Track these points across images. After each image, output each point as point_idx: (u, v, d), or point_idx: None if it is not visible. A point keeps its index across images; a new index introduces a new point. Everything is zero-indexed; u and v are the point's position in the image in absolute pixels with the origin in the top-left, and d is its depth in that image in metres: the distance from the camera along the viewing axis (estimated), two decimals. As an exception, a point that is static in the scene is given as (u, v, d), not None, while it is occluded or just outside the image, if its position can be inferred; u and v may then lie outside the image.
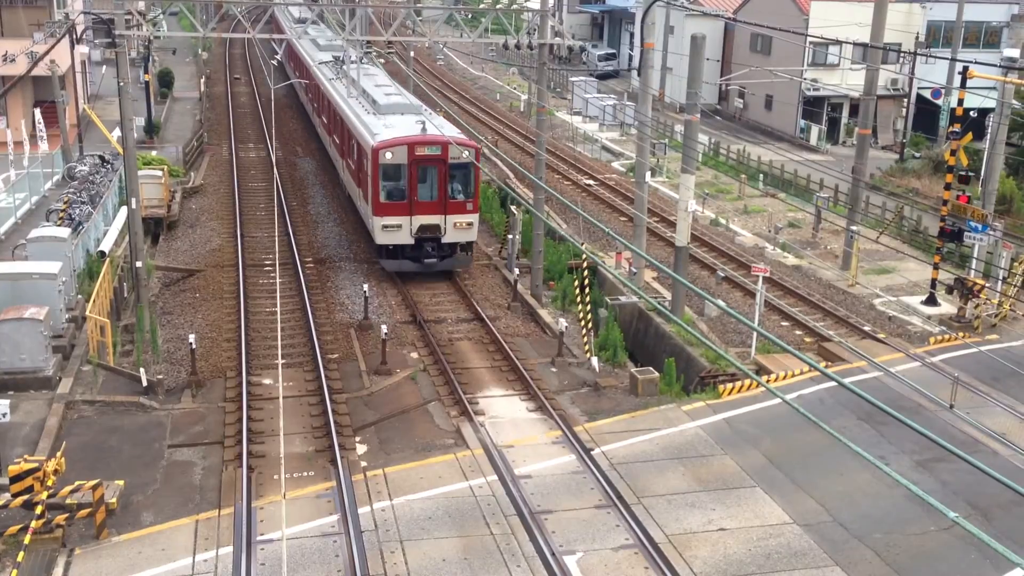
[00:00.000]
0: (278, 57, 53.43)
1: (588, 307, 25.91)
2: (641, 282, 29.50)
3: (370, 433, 20.64)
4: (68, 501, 16.16)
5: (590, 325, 25.48)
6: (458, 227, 29.32)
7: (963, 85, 28.22)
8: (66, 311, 23.39)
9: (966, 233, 27.84)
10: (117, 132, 34.39)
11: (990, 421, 21.12)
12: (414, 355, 24.51)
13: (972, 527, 6.99)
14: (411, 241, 29.19)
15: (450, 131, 30.19)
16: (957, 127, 28.35)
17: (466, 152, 28.52)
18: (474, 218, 29.61)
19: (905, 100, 54.18)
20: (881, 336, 26.37)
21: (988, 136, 32.51)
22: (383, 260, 29.64)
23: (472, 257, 30.68)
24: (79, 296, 24.88)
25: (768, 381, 23.04)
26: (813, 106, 53.99)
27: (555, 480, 18.46)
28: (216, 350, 24.76)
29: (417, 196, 28.87)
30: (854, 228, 32.29)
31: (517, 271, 29.21)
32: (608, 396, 22.63)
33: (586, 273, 26.67)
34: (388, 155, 28.49)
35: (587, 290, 26.50)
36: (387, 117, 31.56)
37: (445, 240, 29.41)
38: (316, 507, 17.41)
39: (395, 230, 28.98)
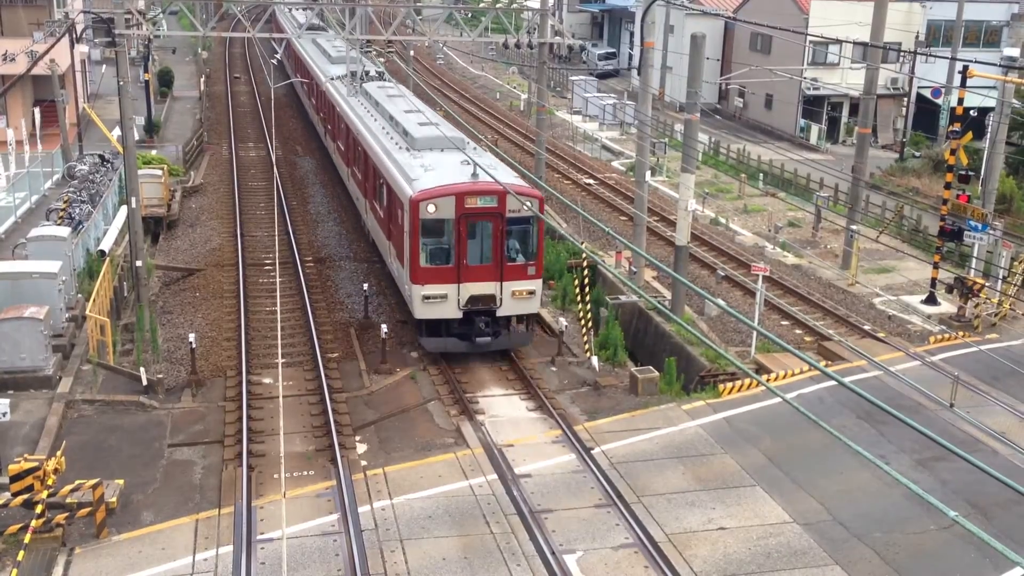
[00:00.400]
0: (278, 56, 53.31)
1: (588, 306, 25.92)
2: (641, 281, 29.50)
3: (370, 432, 20.64)
4: (68, 500, 16.17)
5: (590, 324, 25.49)
6: (517, 296, 23.53)
7: (963, 84, 28.22)
8: (66, 310, 23.40)
9: (966, 232, 27.86)
10: (117, 131, 34.39)
11: (990, 420, 21.13)
12: (414, 354, 24.51)
13: (972, 526, 6.99)
14: (459, 315, 23.38)
15: (505, 175, 24.10)
16: (957, 126, 28.35)
17: (528, 203, 22.93)
18: (537, 285, 23.83)
19: (905, 99, 54.17)
20: (881, 335, 26.37)
21: (988, 135, 32.51)
22: (423, 338, 23.73)
23: (534, 332, 24.81)
24: (79, 295, 24.89)
25: (768, 380, 23.04)
26: (813, 105, 53.99)
27: (555, 479, 18.46)
28: (216, 349, 24.77)
29: (467, 259, 23.09)
30: (854, 227, 32.29)
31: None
32: (608, 395, 22.63)
33: (586, 272, 26.68)
34: (431, 208, 22.67)
35: (587, 289, 26.52)
36: (424, 155, 25.58)
37: (501, 313, 23.63)
38: (316, 506, 17.42)
39: (439, 301, 23.16)
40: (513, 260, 23.45)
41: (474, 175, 23.16)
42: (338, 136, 37.38)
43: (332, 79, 40.18)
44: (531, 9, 51.92)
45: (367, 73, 37.84)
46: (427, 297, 23.12)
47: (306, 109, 52.11)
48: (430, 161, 24.78)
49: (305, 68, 49.49)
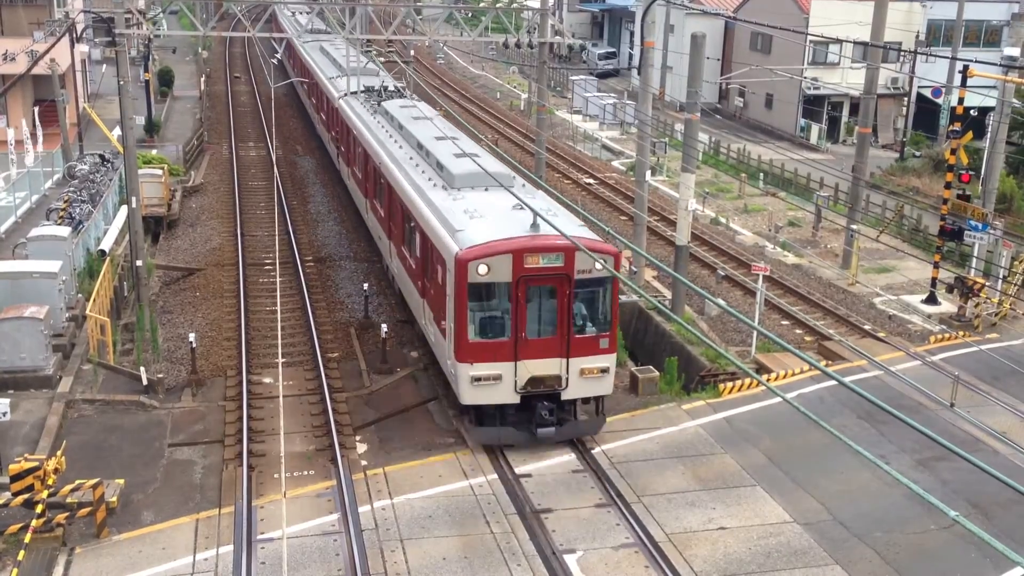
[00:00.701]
0: (278, 56, 53.26)
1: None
2: (641, 281, 29.50)
3: (370, 432, 20.65)
4: (68, 500, 16.18)
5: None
6: (587, 375, 19.28)
7: (963, 84, 28.22)
8: (66, 310, 23.41)
9: (966, 232, 27.86)
10: (117, 131, 34.41)
11: (990, 420, 21.13)
12: (414, 354, 24.51)
13: (972, 526, 6.99)
14: (516, 399, 19.19)
15: (567, 223, 19.86)
16: (957, 126, 28.35)
17: (600, 261, 18.53)
18: (610, 360, 19.54)
19: (905, 99, 54.17)
20: (881, 335, 26.37)
21: (988, 135, 32.51)
22: (471, 428, 19.63)
23: (605, 418, 20.23)
24: (79, 295, 24.89)
25: (768, 380, 23.04)
26: (813, 105, 53.99)
27: (555, 479, 18.46)
28: (216, 349, 24.77)
29: (526, 331, 18.88)
30: (854, 227, 32.29)
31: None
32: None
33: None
34: (482, 269, 18.49)
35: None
36: (465, 195, 21.42)
37: (567, 396, 19.45)
38: (316, 506, 17.42)
39: (491, 384, 18.97)
40: (582, 331, 19.24)
41: (534, 226, 18.87)
42: (354, 161, 33.11)
43: (346, 95, 36.12)
44: (531, 9, 51.95)
45: (385, 88, 34.45)
46: (477, 379, 18.85)
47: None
48: (474, 204, 20.71)
49: (312, 76, 46.24)
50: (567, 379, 19.23)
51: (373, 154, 28.34)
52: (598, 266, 18.69)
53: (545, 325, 19.07)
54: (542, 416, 19.12)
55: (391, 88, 34.70)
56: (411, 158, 25.31)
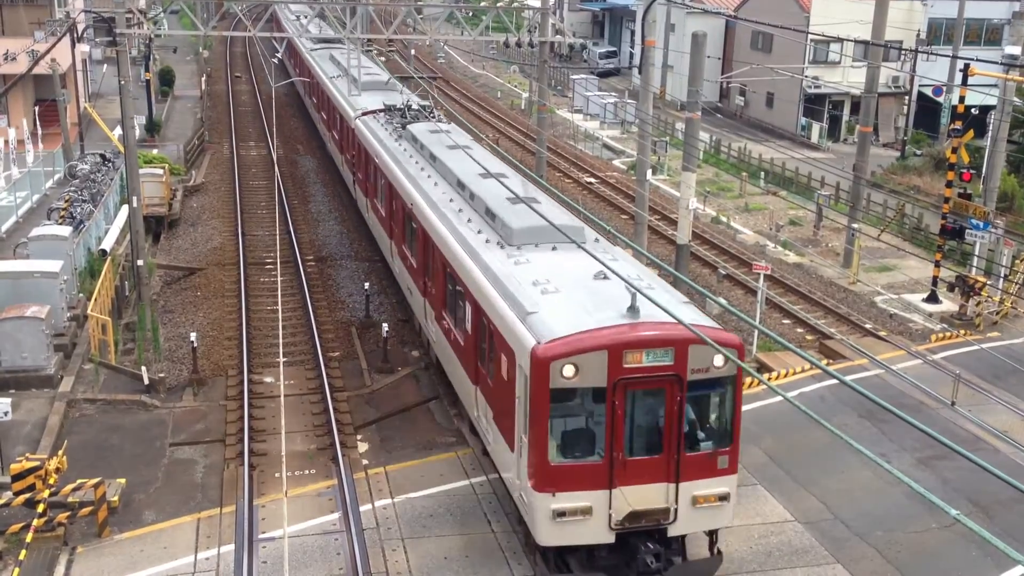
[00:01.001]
0: (279, 55, 53.24)
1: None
2: (642, 280, 29.47)
3: (371, 431, 20.66)
4: (70, 499, 16.20)
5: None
6: (702, 503, 14.76)
7: (964, 82, 28.21)
8: (67, 309, 23.43)
9: (967, 231, 27.85)
10: (118, 130, 34.43)
11: (991, 418, 21.13)
12: (415, 353, 24.51)
13: (973, 524, 6.99)
14: (610, 538, 14.54)
15: (670, 299, 15.43)
16: (958, 124, 28.35)
17: (720, 356, 14.34)
18: (731, 484, 15.05)
19: (906, 97, 54.15)
20: (882, 334, 26.38)
21: (989, 133, 32.50)
22: None
23: (722, 558, 15.45)
24: (80, 295, 24.91)
25: (769, 379, 23.04)
26: (814, 104, 53.97)
27: (556, 478, 18.42)
28: (217, 348, 24.78)
29: (623, 450, 14.35)
30: (855, 226, 32.29)
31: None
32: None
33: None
34: (568, 371, 13.93)
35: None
36: (529, 257, 16.96)
37: (675, 531, 14.87)
38: (318, 505, 17.43)
39: (578, 520, 14.31)
40: (695, 447, 14.75)
41: (632, 309, 14.31)
42: (374, 193, 28.65)
43: (363, 115, 31.76)
44: (532, 8, 51.91)
45: (409, 107, 29.97)
46: (560, 513, 14.19)
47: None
48: (542, 270, 16.27)
49: (321, 89, 42.24)
50: (676, 510, 14.57)
51: (401, 190, 24.04)
52: (717, 361, 14.29)
53: (649, 441, 14.53)
54: (646, 563, 14.35)
55: (415, 107, 30.14)
56: (451, 200, 21.02)
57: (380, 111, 31.13)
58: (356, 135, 31.78)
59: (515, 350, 14.82)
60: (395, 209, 25.16)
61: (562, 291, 15.45)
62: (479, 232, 18.63)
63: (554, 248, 17.33)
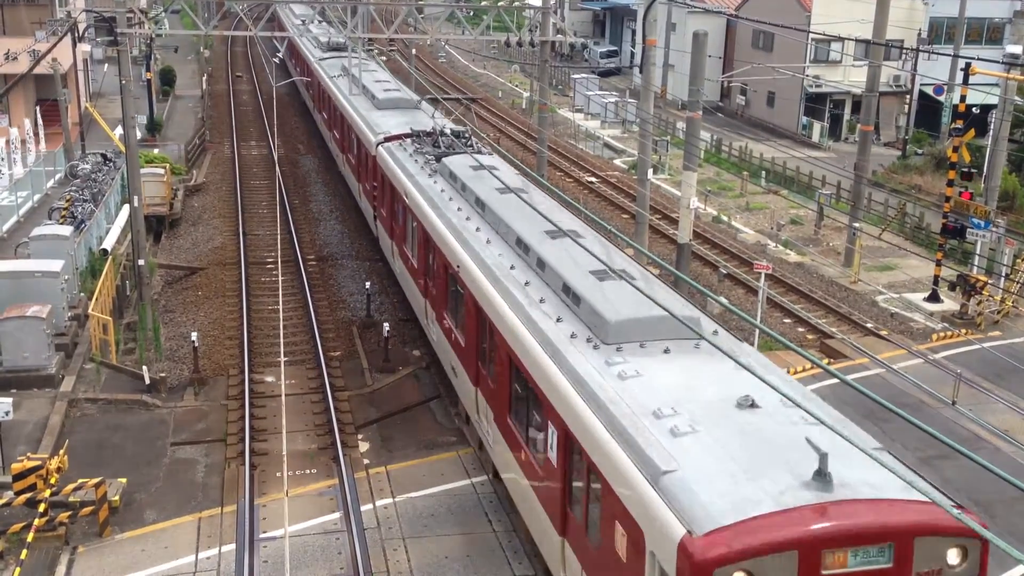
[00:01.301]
0: (279, 55, 53.23)
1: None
2: (643, 279, 29.47)
3: (372, 431, 20.66)
4: (71, 499, 16.20)
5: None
6: None
7: (965, 81, 28.19)
8: (69, 309, 23.44)
9: (969, 230, 27.82)
10: (119, 130, 34.43)
11: (992, 418, 21.11)
12: (416, 352, 24.51)
13: (974, 523, 6.99)
14: None
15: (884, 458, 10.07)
16: (960, 123, 28.32)
17: (955, 550, 9.98)
18: None
19: (908, 97, 54.13)
20: (883, 333, 26.36)
21: (991, 132, 32.49)
22: None
23: None
24: (81, 294, 24.92)
25: (770, 378, 23.01)
26: (815, 103, 53.95)
27: (557, 477, 18.43)
28: (218, 348, 24.78)
29: None
30: (856, 225, 32.27)
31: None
32: None
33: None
34: None
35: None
36: (638, 366, 12.32)
37: None
38: (319, 504, 17.43)
39: None
40: None
41: (821, 475, 9.85)
42: (404, 240, 24.18)
43: (386, 140, 27.38)
44: (533, 7, 51.94)
45: (442, 133, 25.59)
46: None
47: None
48: (662, 389, 11.75)
49: (333, 105, 38.55)
50: None
51: (441, 244, 19.50)
52: (951, 558, 9.95)
53: None
54: None
55: (449, 133, 25.67)
56: (512, 267, 16.48)
57: (406, 136, 26.89)
58: (378, 164, 27.49)
59: (644, 530, 10.18)
60: (434, 268, 20.58)
61: (700, 429, 10.75)
62: (558, 321, 14.01)
63: (667, 352, 12.66)
